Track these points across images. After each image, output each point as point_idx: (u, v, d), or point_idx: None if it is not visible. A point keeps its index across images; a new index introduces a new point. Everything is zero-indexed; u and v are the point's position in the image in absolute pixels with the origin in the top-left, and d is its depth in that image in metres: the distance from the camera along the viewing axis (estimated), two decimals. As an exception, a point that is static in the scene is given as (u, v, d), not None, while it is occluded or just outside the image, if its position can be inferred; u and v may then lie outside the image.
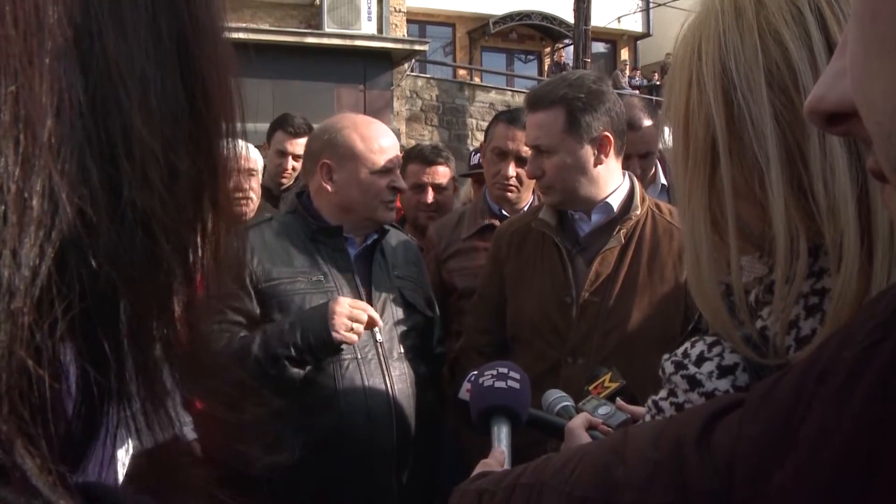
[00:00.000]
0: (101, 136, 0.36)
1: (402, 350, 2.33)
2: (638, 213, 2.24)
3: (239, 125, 0.49)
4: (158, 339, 0.42)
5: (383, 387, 2.23)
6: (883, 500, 0.51)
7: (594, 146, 2.20)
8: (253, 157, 3.55)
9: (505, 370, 1.57)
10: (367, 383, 2.20)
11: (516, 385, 1.54)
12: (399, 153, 2.45)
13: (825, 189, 0.77)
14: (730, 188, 0.82)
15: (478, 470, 1.23)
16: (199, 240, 0.44)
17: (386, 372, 2.25)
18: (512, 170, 2.85)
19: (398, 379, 2.26)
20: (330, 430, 2.15)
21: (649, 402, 0.96)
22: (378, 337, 2.27)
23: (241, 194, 3.37)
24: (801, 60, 0.80)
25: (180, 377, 0.43)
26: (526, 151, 2.71)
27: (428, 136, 14.96)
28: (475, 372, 1.62)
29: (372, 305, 2.30)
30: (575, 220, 2.30)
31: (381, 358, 2.26)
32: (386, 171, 2.34)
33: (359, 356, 2.21)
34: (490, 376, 1.55)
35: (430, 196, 3.35)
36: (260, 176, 3.62)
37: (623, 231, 2.21)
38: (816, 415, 0.58)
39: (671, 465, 0.71)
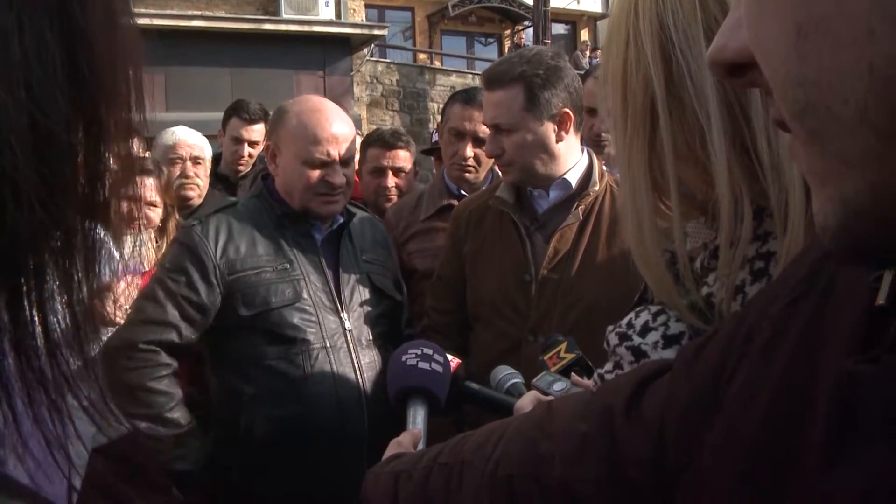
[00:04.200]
0: None
1: (372, 337, 2.29)
2: (596, 188, 2.22)
3: (146, 100, 0.45)
4: (30, 324, 0.38)
5: (353, 375, 2.19)
6: (809, 456, 0.49)
7: (554, 123, 2.18)
8: (199, 144, 3.56)
9: (430, 351, 1.54)
10: (336, 371, 2.17)
11: (439, 368, 1.51)
12: (350, 144, 2.32)
13: (769, 146, 0.75)
14: (670, 149, 0.79)
15: (390, 450, 1.20)
16: (82, 213, 0.40)
17: (355, 360, 2.21)
18: (469, 150, 2.82)
19: (367, 367, 2.22)
20: (300, 419, 2.12)
21: (595, 375, 0.94)
22: (347, 324, 2.23)
23: (187, 181, 3.43)
24: None
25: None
26: (483, 131, 2.67)
27: (389, 120, 14.89)
28: (399, 348, 1.60)
29: (340, 291, 2.27)
30: (533, 197, 2.28)
31: (350, 345, 2.22)
32: (319, 163, 2.24)
33: (327, 344, 2.17)
34: (414, 356, 1.52)
35: (389, 180, 3.32)
36: (208, 164, 3.62)
37: (581, 207, 2.19)
38: (743, 373, 0.56)
39: (601, 436, 0.69)
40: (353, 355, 2.21)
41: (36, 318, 0.39)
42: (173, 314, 2.12)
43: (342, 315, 2.23)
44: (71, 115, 0.38)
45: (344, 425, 2.15)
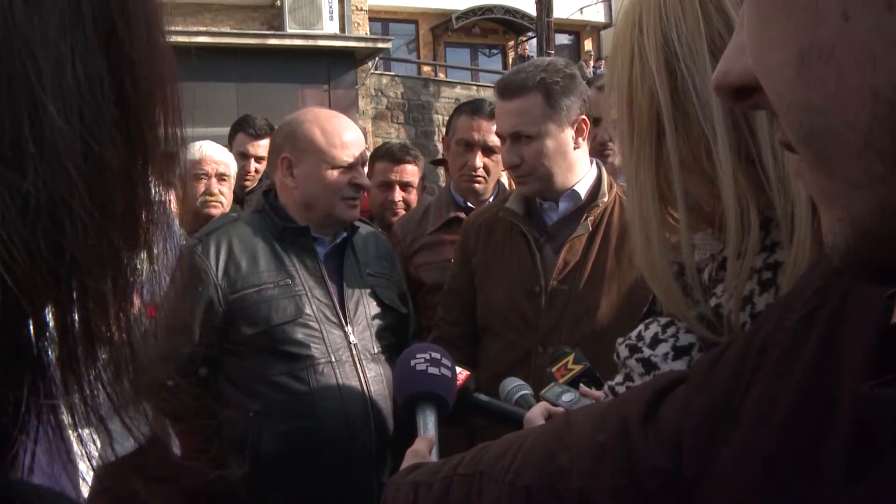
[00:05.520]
0: (3, 114, 0.33)
1: (377, 350, 2.29)
2: (605, 200, 2.23)
3: (182, 120, 0.45)
4: (78, 342, 0.39)
5: (359, 389, 2.19)
6: (826, 473, 0.49)
7: (573, 129, 2.19)
8: (226, 160, 3.52)
9: (438, 356, 1.52)
10: (342, 386, 2.17)
11: (448, 373, 1.50)
12: (364, 149, 2.39)
13: (774, 159, 0.75)
14: (676, 162, 0.80)
15: (408, 460, 1.20)
16: (127, 236, 0.41)
17: (361, 374, 2.21)
18: (480, 160, 2.81)
19: (374, 380, 2.22)
20: (308, 434, 2.12)
21: (605, 387, 0.94)
22: (351, 338, 2.24)
23: (211, 198, 3.37)
24: None
25: (113, 384, 0.41)
26: (492, 141, 2.68)
27: (394, 133, 14.92)
28: (406, 352, 1.58)
29: (344, 305, 2.27)
30: (543, 209, 2.28)
31: (356, 359, 2.22)
32: (347, 167, 2.28)
33: (332, 359, 2.17)
34: (423, 360, 1.50)
35: (397, 194, 3.32)
36: (233, 181, 3.58)
37: (590, 218, 2.19)
38: (759, 386, 0.57)
39: (618, 447, 0.69)
40: (359, 368, 2.21)
41: (83, 338, 0.40)
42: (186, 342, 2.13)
43: (346, 329, 2.23)
44: (118, 139, 0.39)
45: (352, 439, 2.15)
